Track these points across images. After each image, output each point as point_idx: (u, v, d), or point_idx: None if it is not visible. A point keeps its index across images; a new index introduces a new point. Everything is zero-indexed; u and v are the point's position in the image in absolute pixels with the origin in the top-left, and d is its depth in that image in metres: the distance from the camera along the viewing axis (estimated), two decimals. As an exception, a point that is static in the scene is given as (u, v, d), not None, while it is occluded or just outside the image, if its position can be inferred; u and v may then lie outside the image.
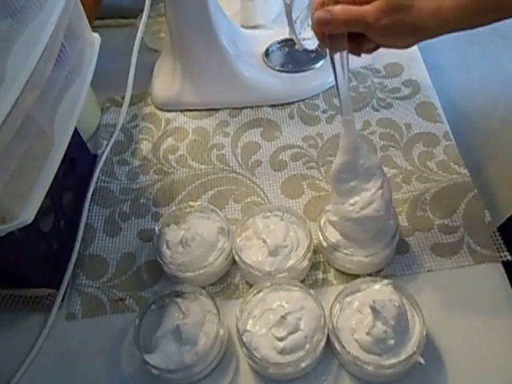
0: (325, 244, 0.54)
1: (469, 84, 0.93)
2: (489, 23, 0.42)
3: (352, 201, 0.51)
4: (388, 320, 0.45)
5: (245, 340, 0.47)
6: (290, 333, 0.47)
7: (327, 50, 0.45)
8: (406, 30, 0.42)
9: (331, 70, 0.46)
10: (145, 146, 0.72)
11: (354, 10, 0.42)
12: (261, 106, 0.74)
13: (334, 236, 0.54)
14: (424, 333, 0.46)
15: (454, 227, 0.57)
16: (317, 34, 0.45)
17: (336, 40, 0.44)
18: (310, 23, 0.71)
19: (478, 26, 0.42)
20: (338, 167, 0.50)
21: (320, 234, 0.54)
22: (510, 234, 0.57)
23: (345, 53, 0.44)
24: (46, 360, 0.53)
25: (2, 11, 0.42)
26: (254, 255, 0.54)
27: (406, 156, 0.65)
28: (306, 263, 0.53)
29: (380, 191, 0.50)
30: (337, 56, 0.44)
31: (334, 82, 0.76)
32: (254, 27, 0.85)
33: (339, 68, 0.45)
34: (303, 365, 0.46)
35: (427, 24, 0.41)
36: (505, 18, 0.41)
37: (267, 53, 0.77)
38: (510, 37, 0.99)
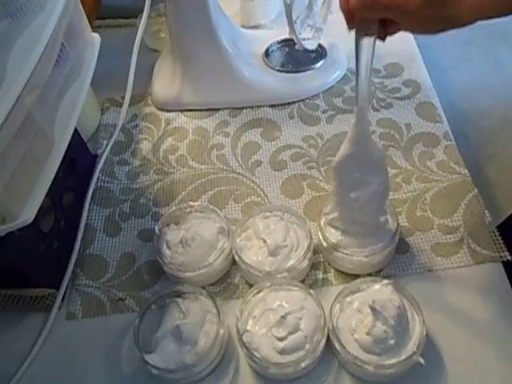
0: (325, 244, 0.54)
1: (469, 84, 0.93)
2: None
3: (353, 195, 0.50)
4: (388, 320, 0.45)
5: (245, 340, 0.47)
6: (290, 333, 0.47)
7: (354, 34, 0.42)
8: (443, 21, 0.41)
9: (354, 53, 0.43)
10: (145, 146, 0.72)
11: None
12: (261, 106, 0.74)
13: (333, 236, 0.54)
14: (424, 333, 0.46)
15: (454, 227, 0.57)
16: (346, 15, 0.42)
17: (366, 24, 0.41)
18: (310, 22, 0.72)
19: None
20: (343, 158, 0.49)
21: (320, 234, 0.54)
22: (510, 233, 0.57)
23: (373, 38, 0.42)
24: (46, 360, 0.53)
25: (2, 11, 0.42)
26: (254, 255, 0.54)
27: (406, 156, 0.65)
28: (305, 263, 0.53)
29: (381, 186, 0.50)
30: (364, 41, 0.42)
31: (334, 82, 0.76)
32: (254, 27, 0.86)
33: (364, 53, 0.43)
34: (303, 365, 0.46)
35: (465, 16, 0.40)
36: None
37: (267, 53, 0.77)
38: (510, 37, 0.99)
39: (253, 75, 0.73)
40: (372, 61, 0.44)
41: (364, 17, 0.41)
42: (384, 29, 0.43)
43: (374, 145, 0.49)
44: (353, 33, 0.43)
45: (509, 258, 0.54)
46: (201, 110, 0.75)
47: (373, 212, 0.51)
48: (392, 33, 0.45)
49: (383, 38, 0.45)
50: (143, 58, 0.71)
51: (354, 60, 0.80)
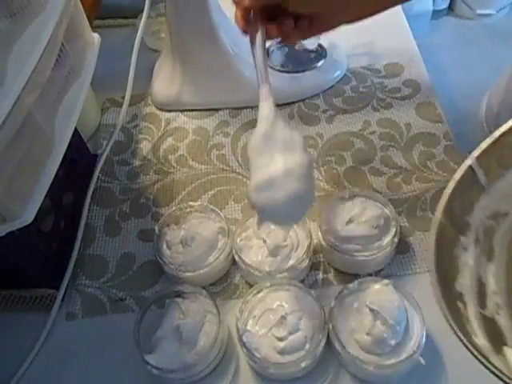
0: (325, 244, 0.54)
1: (469, 84, 0.93)
2: None
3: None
4: (388, 320, 0.45)
5: (245, 340, 0.47)
6: (290, 333, 0.47)
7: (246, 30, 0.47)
8: None
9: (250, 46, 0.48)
10: (145, 146, 0.72)
11: None
12: (261, 106, 0.74)
13: (333, 237, 0.54)
14: (424, 333, 0.46)
15: (454, 227, 0.57)
16: (236, 17, 0.47)
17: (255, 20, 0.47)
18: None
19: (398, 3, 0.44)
20: (258, 138, 0.46)
21: (320, 233, 0.54)
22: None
23: (262, 31, 0.47)
24: (46, 360, 0.53)
25: (2, 11, 0.42)
26: (254, 255, 0.54)
27: (406, 156, 0.65)
28: (305, 263, 0.53)
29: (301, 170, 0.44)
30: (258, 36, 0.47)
31: (334, 82, 0.76)
32: (254, 27, 0.85)
33: (259, 40, 0.47)
34: (303, 365, 0.46)
35: None
36: None
37: (267, 53, 0.77)
38: (510, 37, 0.99)
39: (253, 75, 0.72)
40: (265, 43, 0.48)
41: (248, 7, 0.46)
42: (278, 27, 0.47)
43: (287, 126, 0.46)
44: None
45: (509, 257, 0.54)
46: (201, 110, 0.75)
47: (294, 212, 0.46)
48: (295, 36, 0.49)
49: (279, 37, 0.49)
50: (143, 58, 0.71)
51: (353, 60, 0.80)
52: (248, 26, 0.47)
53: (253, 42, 0.48)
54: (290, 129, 0.47)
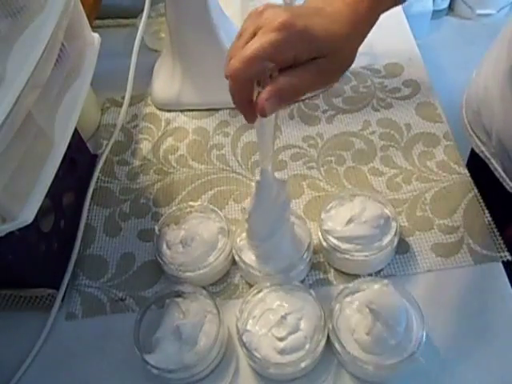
0: (325, 244, 0.54)
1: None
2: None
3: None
4: (388, 320, 0.45)
5: (245, 340, 0.47)
6: (290, 333, 0.47)
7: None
8: (345, 69, 0.41)
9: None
10: (145, 146, 0.72)
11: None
12: (261, 106, 0.74)
13: (333, 237, 0.54)
14: (424, 333, 0.46)
15: (454, 227, 0.57)
16: (244, 111, 0.42)
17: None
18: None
19: None
20: (254, 215, 0.50)
21: (320, 233, 0.54)
22: (510, 233, 0.57)
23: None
24: (46, 360, 0.53)
25: (2, 11, 0.42)
26: (253, 255, 0.54)
27: (406, 156, 0.65)
28: (305, 263, 0.53)
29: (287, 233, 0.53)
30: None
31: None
32: (254, 27, 0.85)
33: (268, 127, 0.42)
34: (303, 365, 0.46)
35: (356, 51, 0.41)
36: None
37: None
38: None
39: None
40: (275, 131, 0.44)
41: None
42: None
43: (280, 191, 0.50)
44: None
45: (509, 257, 0.54)
46: (201, 110, 0.75)
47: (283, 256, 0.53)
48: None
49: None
50: (143, 58, 0.71)
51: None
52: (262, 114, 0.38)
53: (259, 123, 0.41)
54: (277, 180, 0.50)
